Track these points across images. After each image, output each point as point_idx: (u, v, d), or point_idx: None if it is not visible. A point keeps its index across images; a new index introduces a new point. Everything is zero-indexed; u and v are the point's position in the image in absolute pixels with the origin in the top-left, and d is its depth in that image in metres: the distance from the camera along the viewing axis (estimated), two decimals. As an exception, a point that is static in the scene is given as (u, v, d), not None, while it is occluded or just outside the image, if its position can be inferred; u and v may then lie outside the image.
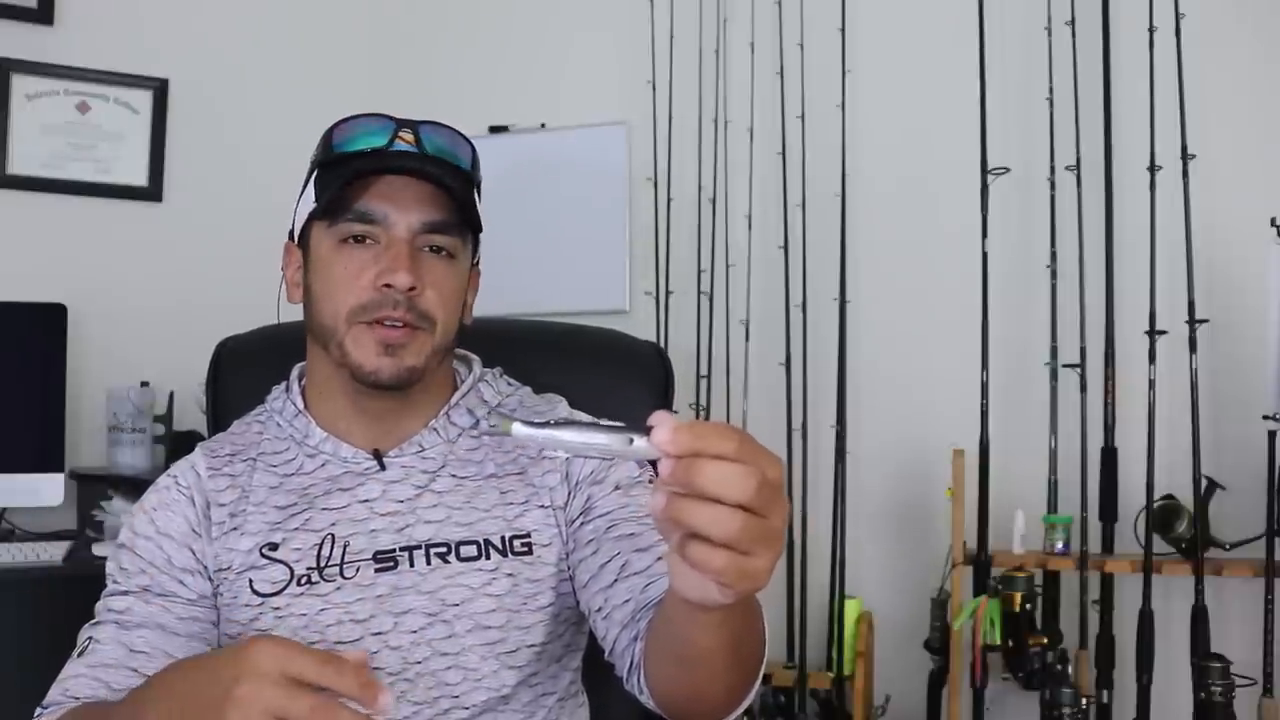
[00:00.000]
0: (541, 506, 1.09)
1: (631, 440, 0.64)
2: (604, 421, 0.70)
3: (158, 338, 2.36)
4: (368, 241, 1.05)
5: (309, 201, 1.09)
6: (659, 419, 0.63)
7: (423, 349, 1.06)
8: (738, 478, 0.62)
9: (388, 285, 1.03)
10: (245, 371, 1.35)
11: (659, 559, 0.99)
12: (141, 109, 2.45)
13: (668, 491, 0.64)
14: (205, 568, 1.07)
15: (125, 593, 1.05)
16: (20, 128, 2.34)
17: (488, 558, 1.06)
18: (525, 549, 1.07)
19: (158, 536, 1.07)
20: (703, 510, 0.63)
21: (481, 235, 1.15)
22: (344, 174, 1.04)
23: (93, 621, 1.05)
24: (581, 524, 1.08)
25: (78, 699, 0.97)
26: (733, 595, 0.67)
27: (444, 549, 1.06)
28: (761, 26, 2.41)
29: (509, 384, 1.20)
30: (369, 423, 1.10)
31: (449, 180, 1.05)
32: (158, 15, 2.48)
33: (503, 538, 1.07)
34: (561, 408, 1.18)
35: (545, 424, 0.66)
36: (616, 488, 1.08)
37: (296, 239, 1.13)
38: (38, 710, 0.98)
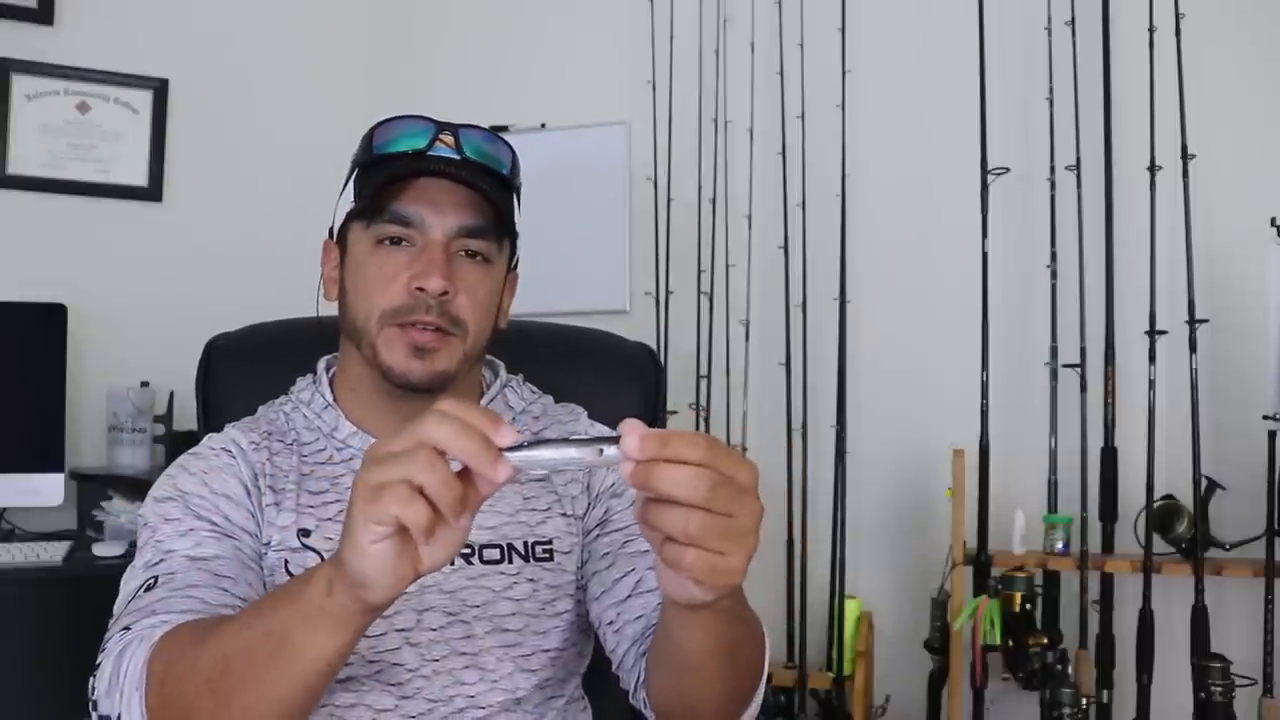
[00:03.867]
0: (564, 515, 1.10)
1: (602, 450, 0.66)
2: (577, 435, 0.71)
3: (158, 338, 2.35)
4: (404, 244, 1.05)
5: (348, 201, 1.09)
6: (627, 427, 0.66)
7: (454, 354, 1.05)
8: (691, 479, 0.65)
9: (420, 289, 1.03)
10: (235, 368, 1.34)
11: None
12: (141, 109, 2.45)
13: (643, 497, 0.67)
14: (259, 532, 1.04)
15: (189, 531, 0.99)
16: (20, 128, 2.34)
17: (510, 562, 1.07)
18: (547, 555, 1.08)
19: (213, 496, 1.03)
20: (665, 512, 0.66)
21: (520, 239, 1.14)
22: (381, 176, 1.04)
23: (144, 563, 0.97)
24: (598, 536, 1.08)
25: (170, 615, 0.88)
26: (710, 592, 0.70)
27: (467, 550, 1.06)
28: (761, 26, 2.41)
29: (531, 391, 1.21)
30: (400, 422, 1.09)
31: (485, 185, 1.04)
32: (158, 15, 2.48)
33: (526, 543, 1.08)
34: (583, 418, 1.18)
35: (519, 446, 0.67)
36: (634, 502, 1.08)
37: (335, 237, 1.13)
38: (116, 635, 0.88)
